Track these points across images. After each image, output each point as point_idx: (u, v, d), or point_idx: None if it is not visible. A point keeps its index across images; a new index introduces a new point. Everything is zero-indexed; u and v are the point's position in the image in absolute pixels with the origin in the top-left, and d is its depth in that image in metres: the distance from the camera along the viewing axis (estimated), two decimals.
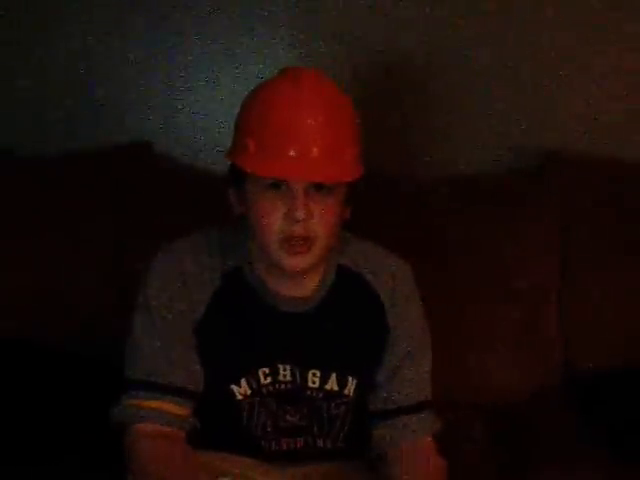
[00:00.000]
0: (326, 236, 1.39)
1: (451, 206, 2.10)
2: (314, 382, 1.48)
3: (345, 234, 1.51)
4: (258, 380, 1.47)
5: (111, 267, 2.10)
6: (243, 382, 1.47)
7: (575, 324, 2.08)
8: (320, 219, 1.37)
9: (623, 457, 1.77)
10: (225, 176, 1.47)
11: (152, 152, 2.25)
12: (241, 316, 1.47)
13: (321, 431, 1.51)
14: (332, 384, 1.49)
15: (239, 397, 1.47)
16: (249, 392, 1.47)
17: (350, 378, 1.50)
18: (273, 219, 1.37)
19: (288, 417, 1.49)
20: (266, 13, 2.23)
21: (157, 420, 1.42)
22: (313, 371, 1.48)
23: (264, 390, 1.47)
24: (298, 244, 1.37)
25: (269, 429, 1.49)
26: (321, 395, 1.49)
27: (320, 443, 1.51)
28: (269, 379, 1.47)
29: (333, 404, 1.50)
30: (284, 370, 1.47)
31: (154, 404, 1.42)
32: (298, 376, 1.48)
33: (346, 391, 1.50)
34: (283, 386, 1.48)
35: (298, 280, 1.46)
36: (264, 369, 1.47)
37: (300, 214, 1.35)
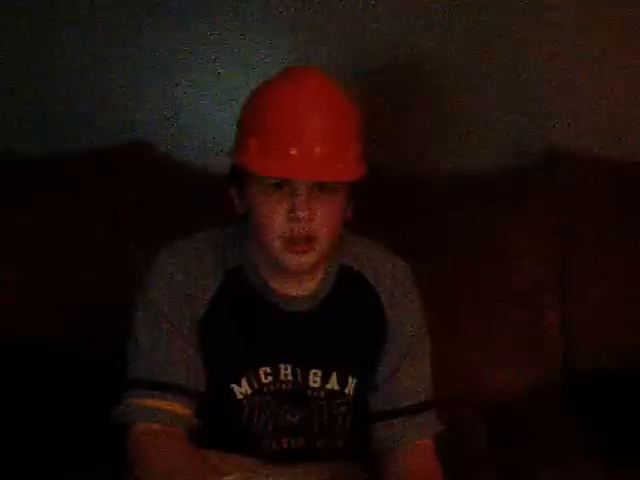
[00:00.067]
0: (328, 235, 1.40)
1: (452, 205, 2.10)
2: (315, 382, 1.49)
3: (347, 233, 1.51)
4: (259, 379, 1.47)
5: (111, 267, 2.10)
6: (243, 381, 1.47)
7: (575, 324, 2.08)
8: (322, 218, 1.38)
9: (623, 457, 1.77)
10: (226, 175, 1.47)
11: (152, 152, 2.25)
12: (242, 315, 1.47)
13: (321, 431, 1.51)
14: (333, 384, 1.49)
15: (239, 396, 1.47)
16: (249, 391, 1.47)
17: (350, 378, 1.50)
18: (275, 218, 1.37)
19: (288, 416, 1.49)
20: (267, 13, 2.23)
21: (159, 419, 1.42)
22: (314, 371, 1.48)
23: (265, 389, 1.47)
24: (300, 243, 1.38)
25: (269, 428, 1.49)
26: (322, 395, 1.49)
27: (320, 443, 1.51)
28: (270, 378, 1.47)
29: (334, 404, 1.50)
30: (285, 370, 1.47)
31: (156, 403, 1.42)
32: (299, 376, 1.48)
33: (346, 391, 1.50)
34: (284, 386, 1.48)
35: (300, 279, 1.47)
36: (265, 368, 1.47)
37: (302, 213, 1.35)
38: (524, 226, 2.09)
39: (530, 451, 1.83)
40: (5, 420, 1.83)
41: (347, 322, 1.51)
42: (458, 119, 2.25)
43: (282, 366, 1.47)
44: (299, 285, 1.47)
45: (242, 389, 1.47)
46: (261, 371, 1.47)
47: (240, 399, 1.47)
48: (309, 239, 1.38)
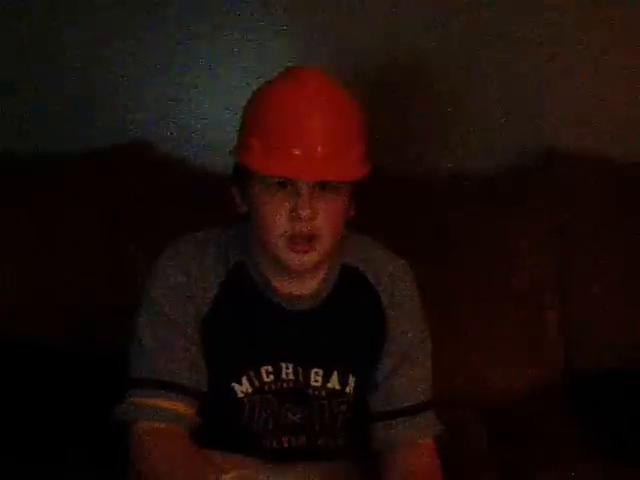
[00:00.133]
0: (331, 234, 1.40)
1: (451, 205, 2.10)
2: (316, 381, 1.49)
3: (349, 233, 1.51)
4: (260, 378, 1.47)
5: (111, 267, 2.10)
6: (244, 380, 1.47)
7: (575, 324, 2.08)
8: (325, 217, 1.38)
9: (623, 457, 1.77)
10: (228, 175, 1.47)
11: (152, 152, 2.25)
12: (245, 313, 1.47)
13: (322, 430, 1.51)
14: (334, 383, 1.49)
15: (240, 395, 1.47)
16: (250, 390, 1.47)
17: (351, 377, 1.50)
18: (278, 218, 1.38)
19: (289, 415, 1.49)
20: (267, 13, 2.23)
21: (161, 418, 1.42)
22: (316, 370, 1.48)
23: (266, 388, 1.48)
24: (302, 242, 1.38)
25: (270, 427, 1.49)
26: (323, 394, 1.49)
27: (321, 442, 1.51)
28: (271, 377, 1.47)
29: (335, 403, 1.50)
30: (287, 368, 1.48)
31: (158, 402, 1.42)
32: (301, 375, 1.48)
33: (347, 390, 1.50)
34: (285, 384, 1.48)
35: (301, 278, 1.47)
36: (267, 367, 1.47)
37: (305, 213, 1.36)
38: (524, 226, 2.09)
39: (530, 451, 1.83)
40: (5, 420, 1.83)
41: (348, 321, 1.51)
42: (458, 119, 2.25)
43: (283, 365, 1.47)
44: (301, 284, 1.48)
45: (243, 387, 1.47)
46: (263, 369, 1.47)
47: (241, 397, 1.47)
48: (310, 238, 1.38)
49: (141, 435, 1.41)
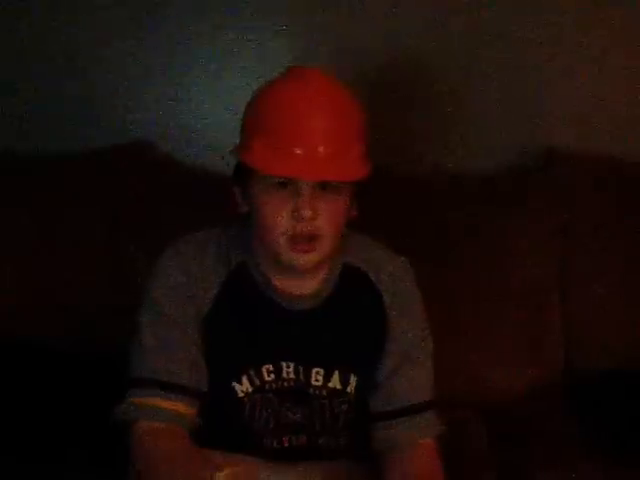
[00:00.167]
0: (332, 234, 1.40)
1: (451, 205, 2.10)
2: (318, 380, 1.49)
3: (350, 232, 1.51)
4: (261, 377, 1.47)
5: (111, 267, 2.10)
6: (245, 379, 1.47)
7: (575, 324, 2.08)
8: (326, 217, 1.38)
9: (623, 457, 1.77)
10: (229, 175, 1.47)
11: (152, 152, 2.25)
12: (246, 313, 1.47)
13: (323, 429, 1.51)
14: (335, 382, 1.49)
15: (240, 394, 1.47)
16: (251, 389, 1.47)
17: (352, 376, 1.50)
18: (279, 217, 1.38)
19: (290, 414, 1.49)
20: (267, 13, 2.23)
21: (161, 417, 1.41)
22: (317, 369, 1.48)
23: (267, 387, 1.47)
24: (304, 242, 1.38)
25: (270, 426, 1.49)
26: (324, 393, 1.49)
27: (322, 441, 1.51)
28: (272, 376, 1.47)
29: (336, 402, 1.50)
30: (287, 367, 1.48)
31: (158, 402, 1.41)
32: (301, 374, 1.48)
33: (348, 389, 1.50)
34: (286, 383, 1.48)
35: (302, 278, 1.47)
36: (267, 366, 1.47)
37: (306, 212, 1.36)
38: (524, 226, 2.09)
39: (530, 451, 1.83)
40: (5, 420, 1.83)
41: (349, 321, 1.51)
42: (458, 119, 2.25)
43: (284, 364, 1.47)
44: (302, 284, 1.48)
45: (243, 387, 1.47)
46: (264, 369, 1.47)
47: (241, 397, 1.47)
48: (311, 238, 1.38)
49: (141, 435, 1.41)
